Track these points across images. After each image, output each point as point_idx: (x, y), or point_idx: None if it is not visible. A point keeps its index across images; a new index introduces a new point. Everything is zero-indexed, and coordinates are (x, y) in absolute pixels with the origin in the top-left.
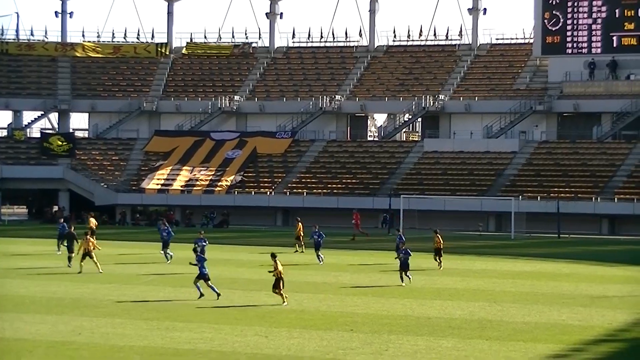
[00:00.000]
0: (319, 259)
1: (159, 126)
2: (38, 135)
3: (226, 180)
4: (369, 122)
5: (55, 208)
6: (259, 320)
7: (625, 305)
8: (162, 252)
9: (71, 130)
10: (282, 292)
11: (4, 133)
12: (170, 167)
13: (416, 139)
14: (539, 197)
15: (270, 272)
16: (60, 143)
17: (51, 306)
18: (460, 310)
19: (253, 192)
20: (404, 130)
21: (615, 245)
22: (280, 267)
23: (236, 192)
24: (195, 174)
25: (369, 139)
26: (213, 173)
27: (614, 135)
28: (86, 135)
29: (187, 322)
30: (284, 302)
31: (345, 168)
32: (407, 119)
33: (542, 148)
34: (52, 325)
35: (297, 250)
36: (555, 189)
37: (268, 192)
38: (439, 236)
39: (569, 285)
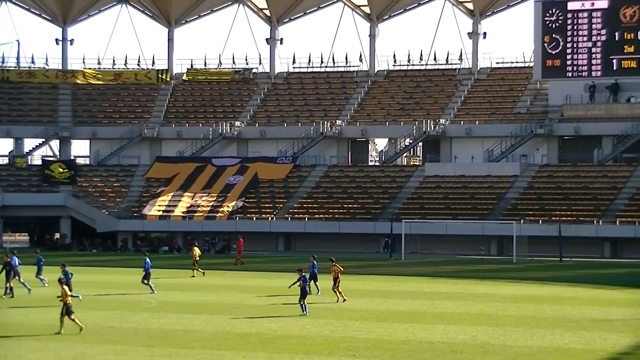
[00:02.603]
0: (151, 288)
1: (160, 152)
2: (39, 162)
3: (227, 206)
4: (369, 146)
5: (57, 235)
6: (261, 346)
7: (628, 329)
8: (38, 278)
9: (72, 157)
10: (64, 319)
11: (6, 160)
12: (172, 193)
13: (417, 164)
14: (540, 221)
15: (58, 297)
16: (61, 170)
17: (52, 332)
18: (463, 335)
19: (254, 218)
20: (405, 154)
21: (618, 269)
22: (68, 294)
23: (238, 217)
24: (196, 200)
25: (370, 163)
26: (214, 199)
27: (615, 158)
28: (87, 162)
29: (189, 349)
30: (61, 331)
31: (347, 193)
32: (408, 144)
33: (543, 171)
34: (54, 352)
35: (193, 276)
36: (557, 213)
37: (269, 218)
38: (337, 265)
39: (571, 309)
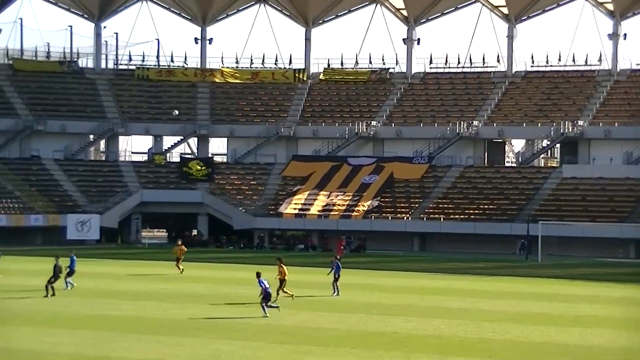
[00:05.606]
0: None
1: (297, 151)
2: (178, 159)
3: (363, 205)
4: (506, 147)
5: (194, 232)
6: (396, 345)
7: None
8: None
9: (210, 155)
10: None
11: (145, 158)
12: (308, 192)
13: (554, 165)
14: None
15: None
16: (199, 167)
17: (188, 328)
18: (600, 338)
19: (390, 217)
20: (542, 156)
21: None
22: None
23: (373, 217)
24: (332, 199)
25: (506, 164)
26: (350, 198)
27: None
28: (225, 160)
29: (324, 347)
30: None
31: (483, 194)
32: (545, 145)
33: None
34: (190, 347)
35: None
36: None
37: (405, 217)
38: (284, 266)
39: None
